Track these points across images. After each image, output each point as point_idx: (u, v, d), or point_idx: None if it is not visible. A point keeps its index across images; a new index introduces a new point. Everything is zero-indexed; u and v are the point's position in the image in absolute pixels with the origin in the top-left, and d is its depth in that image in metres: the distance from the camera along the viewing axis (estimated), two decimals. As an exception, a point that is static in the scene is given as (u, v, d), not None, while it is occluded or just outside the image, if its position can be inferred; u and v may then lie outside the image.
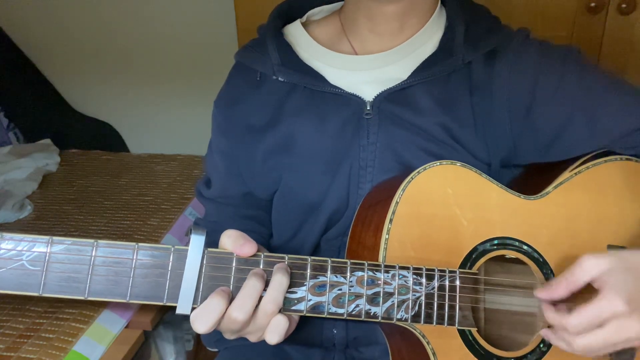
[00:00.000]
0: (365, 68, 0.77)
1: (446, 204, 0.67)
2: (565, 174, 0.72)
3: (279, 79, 0.77)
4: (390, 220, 0.65)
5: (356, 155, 0.75)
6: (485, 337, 0.67)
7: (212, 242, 0.86)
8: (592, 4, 1.51)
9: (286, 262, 0.60)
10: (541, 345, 0.68)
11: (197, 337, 1.65)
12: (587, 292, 0.60)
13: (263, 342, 0.61)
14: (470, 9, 0.79)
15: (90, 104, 2.17)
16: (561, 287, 0.61)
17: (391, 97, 0.75)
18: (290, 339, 0.64)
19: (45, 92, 2.14)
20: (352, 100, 0.75)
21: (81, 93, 2.16)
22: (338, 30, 0.81)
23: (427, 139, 0.74)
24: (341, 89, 0.76)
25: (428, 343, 0.64)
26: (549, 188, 0.71)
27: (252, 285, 0.58)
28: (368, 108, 0.75)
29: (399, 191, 0.66)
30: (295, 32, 0.82)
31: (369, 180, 0.75)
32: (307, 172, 0.77)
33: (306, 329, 0.83)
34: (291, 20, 0.84)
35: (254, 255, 0.60)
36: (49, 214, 1.68)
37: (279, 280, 0.58)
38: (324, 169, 0.76)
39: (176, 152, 2.05)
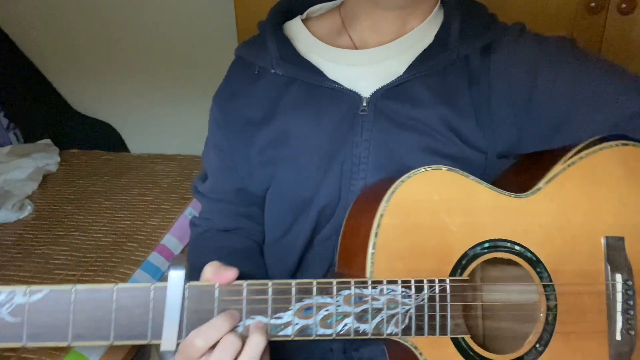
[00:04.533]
0: (364, 62, 0.77)
1: (433, 212, 0.65)
2: (558, 167, 0.69)
3: (277, 72, 0.77)
4: (376, 234, 0.63)
5: (349, 151, 0.75)
6: (486, 341, 0.65)
7: (205, 245, 0.87)
8: (592, 4, 1.50)
9: (270, 288, 0.59)
10: (537, 345, 0.66)
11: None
12: None
13: None
14: (467, 6, 0.79)
15: (90, 104, 2.18)
16: None
17: (388, 93, 0.74)
18: None
19: (45, 92, 2.14)
20: (348, 96, 0.75)
21: (81, 93, 2.16)
22: (338, 25, 0.81)
23: (424, 132, 0.73)
24: (339, 84, 0.75)
25: (421, 354, 0.63)
26: (541, 184, 0.68)
27: (230, 342, 0.56)
28: (364, 104, 0.74)
29: (383, 203, 0.64)
30: (294, 28, 0.82)
31: (362, 177, 0.75)
32: (301, 167, 0.77)
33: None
34: (292, 17, 0.84)
35: (237, 285, 0.58)
36: (49, 214, 1.68)
37: (256, 342, 0.57)
38: (317, 164, 0.76)
39: (176, 152, 2.05)
